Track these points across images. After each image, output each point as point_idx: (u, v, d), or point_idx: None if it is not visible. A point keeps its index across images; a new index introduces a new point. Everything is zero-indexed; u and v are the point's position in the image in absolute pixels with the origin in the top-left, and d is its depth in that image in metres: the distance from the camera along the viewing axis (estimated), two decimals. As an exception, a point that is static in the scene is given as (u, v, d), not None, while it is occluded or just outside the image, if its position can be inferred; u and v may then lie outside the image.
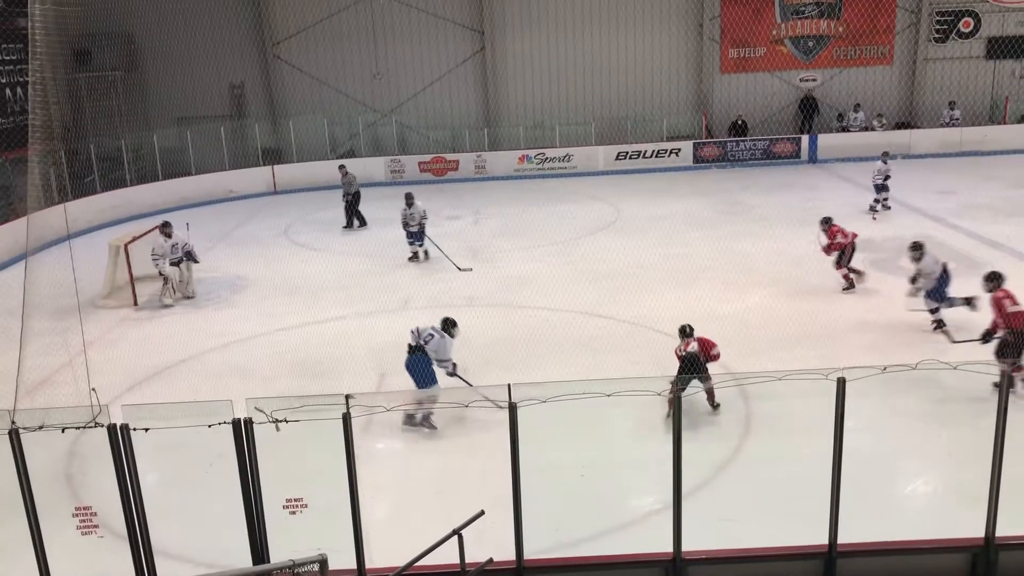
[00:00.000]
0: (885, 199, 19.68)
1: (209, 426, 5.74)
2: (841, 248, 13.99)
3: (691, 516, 6.34)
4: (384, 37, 28.04)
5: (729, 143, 27.30)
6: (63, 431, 6.00)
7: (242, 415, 5.85)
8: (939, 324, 11.77)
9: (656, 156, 27.10)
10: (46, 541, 6.24)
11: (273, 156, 26.94)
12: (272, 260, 17.60)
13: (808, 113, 28.18)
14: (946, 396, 9.44)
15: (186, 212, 21.85)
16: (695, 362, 9.48)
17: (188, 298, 15.40)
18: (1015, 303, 9.81)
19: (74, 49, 25.37)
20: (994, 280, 10.27)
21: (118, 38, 26.68)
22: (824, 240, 14.16)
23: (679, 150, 27.14)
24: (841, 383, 6.06)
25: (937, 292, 11.79)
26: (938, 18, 27.93)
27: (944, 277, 11.84)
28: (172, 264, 15.17)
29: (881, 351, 10.95)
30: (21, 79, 23.31)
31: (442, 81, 28.52)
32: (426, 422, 9.58)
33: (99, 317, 14.50)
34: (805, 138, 27.12)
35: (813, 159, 26.70)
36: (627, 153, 27.13)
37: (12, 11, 22.93)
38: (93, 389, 6.27)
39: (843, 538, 6.36)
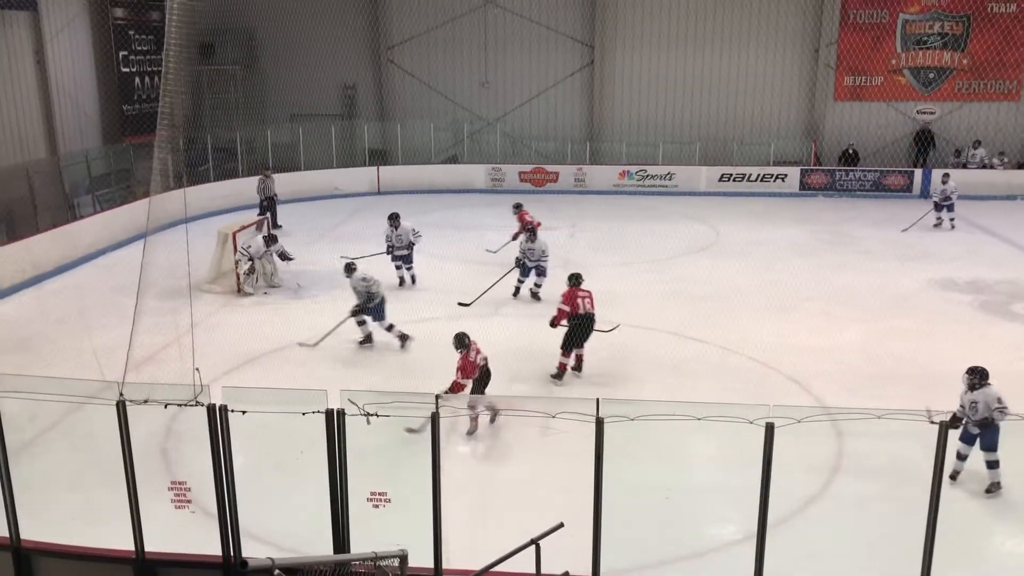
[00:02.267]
0: (951, 218, 21.07)
1: (303, 414, 5.89)
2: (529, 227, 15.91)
3: (774, 549, 6.19)
4: (495, 46, 28.36)
5: (838, 172, 26.59)
6: (165, 407, 6.26)
7: (335, 406, 5.99)
8: None
9: (761, 180, 26.59)
10: (141, 511, 6.51)
11: (379, 157, 27.52)
12: (371, 260, 17.92)
13: (923, 147, 27.20)
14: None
15: (292, 206, 22.55)
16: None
17: (273, 287, 15.94)
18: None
19: (199, 43, 26.48)
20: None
21: (240, 34, 27.76)
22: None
23: (785, 176, 26.57)
24: (943, 427, 5.82)
25: None
26: (1072, 55, 26.63)
27: None
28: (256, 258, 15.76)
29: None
30: (149, 69, 24.47)
31: (548, 93, 28.66)
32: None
33: (203, 301, 15.06)
34: (919, 172, 26.19)
35: (925, 194, 25.74)
36: (731, 175, 26.71)
37: (146, 4, 24.15)
38: (196, 369, 6.51)
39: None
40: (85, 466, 8.96)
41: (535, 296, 15.61)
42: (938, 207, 21.25)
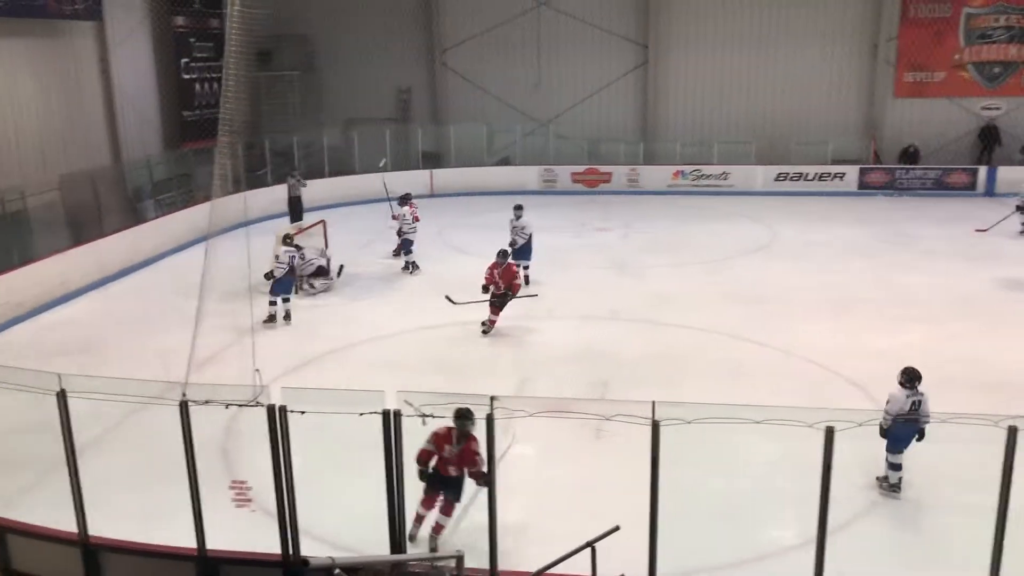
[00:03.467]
0: None
1: (360, 414, 5.96)
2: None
3: (833, 555, 6.08)
4: (548, 48, 28.33)
5: (898, 171, 26.00)
6: (227, 407, 6.38)
7: (391, 407, 6.04)
8: None
9: (819, 179, 26.13)
10: (203, 509, 6.64)
11: (433, 160, 27.69)
12: (425, 260, 18.09)
13: (988, 143, 26.44)
14: None
15: (347, 209, 22.83)
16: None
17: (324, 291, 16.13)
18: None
19: (257, 49, 26.91)
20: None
21: (297, 40, 28.17)
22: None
23: (844, 175, 26.07)
24: (1012, 432, 5.65)
25: None
26: None
27: None
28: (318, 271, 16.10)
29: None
30: (209, 75, 24.97)
31: (601, 93, 28.53)
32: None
33: (262, 303, 15.29)
34: (983, 170, 25.46)
35: (990, 192, 25.05)
36: (788, 175, 26.29)
37: (206, 12, 24.66)
38: (257, 370, 6.63)
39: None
40: (149, 465, 9.16)
41: (525, 281, 15.88)
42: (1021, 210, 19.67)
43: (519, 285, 13.86)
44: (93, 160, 20.74)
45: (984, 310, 14.23)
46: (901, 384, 8.45)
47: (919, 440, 8.41)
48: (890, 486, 8.49)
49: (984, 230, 19.92)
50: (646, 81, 28.03)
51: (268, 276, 14.22)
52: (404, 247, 17.77)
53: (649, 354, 12.38)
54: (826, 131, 26.87)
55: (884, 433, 8.30)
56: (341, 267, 16.55)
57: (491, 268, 13.40)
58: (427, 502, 7.47)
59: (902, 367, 8.55)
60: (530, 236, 16.23)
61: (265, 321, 14.10)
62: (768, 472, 8.89)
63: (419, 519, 7.51)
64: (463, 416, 7.03)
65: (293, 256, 14.54)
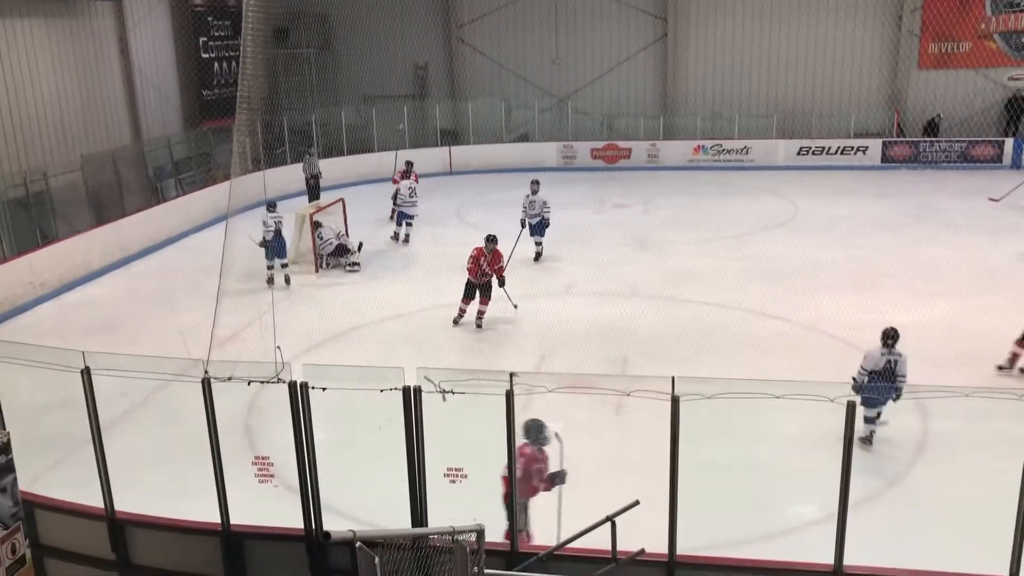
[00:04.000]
0: None
1: (381, 391, 5.97)
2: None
3: (855, 529, 6.05)
4: (565, 22, 28.12)
5: (922, 144, 25.67)
6: (249, 384, 6.43)
7: (412, 383, 6.06)
8: None
9: (841, 153, 25.87)
10: (226, 485, 6.70)
11: (451, 137, 27.63)
12: (443, 238, 18.11)
13: (1015, 115, 26.01)
14: None
15: (365, 187, 22.84)
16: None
17: (352, 271, 16.25)
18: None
19: (275, 27, 26.90)
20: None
21: (314, 18, 28.12)
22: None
23: (867, 148, 25.78)
24: (1038, 406, 5.60)
25: None
26: None
27: None
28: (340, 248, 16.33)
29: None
30: (227, 54, 24.99)
31: (620, 68, 28.32)
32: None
33: (282, 280, 15.39)
34: (1010, 141, 25.10)
35: (1017, 165, 24.70)
36: (810, 148, 26.04)
37: (223, -10, 24.67)
38: (278, 347, 6.65)
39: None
40: (173, 441, 9.28)
41: (537, 257, 16.30)
42: None
43: (503, 270, 13.10)
44: (114, 140, 20.86)
45: (1007, 284, 14.07)
46: (881, 342, 8.84)
47: (895, 400, 8.58)
48: (860, 439, 8.54)
49: (997, 199, 19.74)
50: (665, 55, 27.77)
51: (262, 244, 14.82)
52: (398, 218, 18.12)
53: (669, 330, 12.34)
54: (848, 104, 26.57)
55: (857, 389, 8.49)
56: (360, 244, 16.60)
57: (474, 257, 12.77)
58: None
59: (882, 329, 8.95)
60: (546, 212, 16.31)
61: (268, 282, 15.04)
62: (790, 447, 8.87)
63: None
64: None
65: (280, 221, 15.10)
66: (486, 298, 12.87)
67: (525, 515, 6.85)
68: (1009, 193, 19.69)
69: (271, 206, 15.23)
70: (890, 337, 8.83)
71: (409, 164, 18.85)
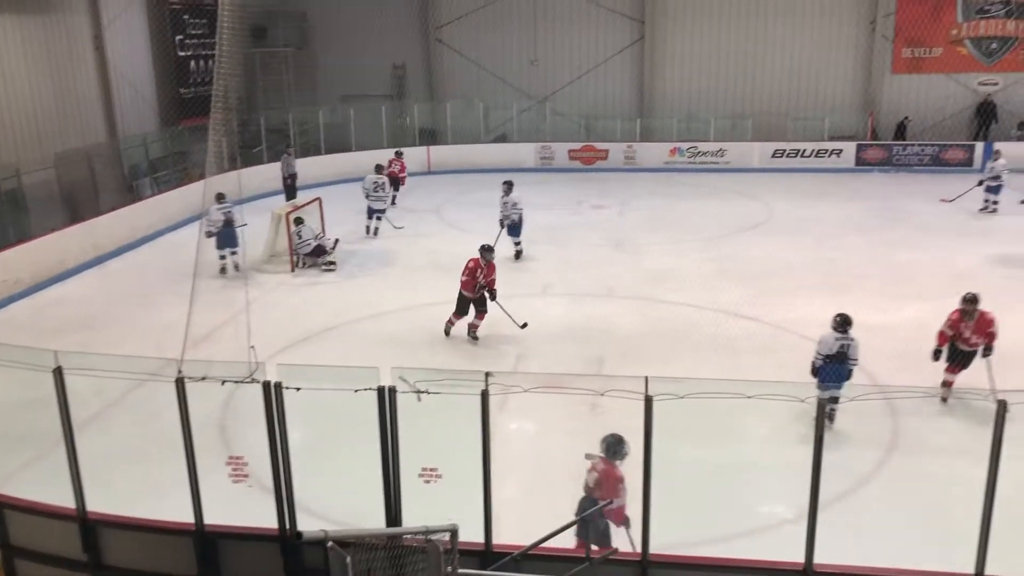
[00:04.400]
0: (995, 202, 19.63)
1: (355, 391, 5.98)
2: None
3: (825, 528, 6.14)
4: (544, 24, 28.17)
5: (895, 147, 25.97)
6: (223, 383, 6.42)
7: (387, 383, 6.07)
8: None
9: (816, 156, 26.11)
10: (200, 485, 6.69)
11: (429, 137, 27.61)
12: (422, 237, 18.11)
13: (985, 119, 26.40)
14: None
15: (344, 186, 22.76)
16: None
17: (328, 270, 16.15)
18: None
19: (252, 25, 26.79)
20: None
21: (292, 16, 28.01)
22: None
23: (841, 151, 26.04)
24: (1002, 406, 5.70)
25: None
26: None
27: None
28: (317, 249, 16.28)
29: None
30: (202, 52, 24.83)
31: (598, 70, 28.42)
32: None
33: (258, 280, 15.34)
34: (980, 146, 25.42)
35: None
36: (785, 151, 26.26)
37: (200, -12, 24.51)
38: (252, 347, 6.65)
39: (991, 569, 6.01)
40: (146, 441, 9.22)
41: (517, 255, 16.43)
42: (988, 188, 19.69)
43: (495, 282, 12.32)
44: (88, 138, 20.67)
45: (978, 285, 14.21)
46: (833, 328, 9.33)
47: (847, 379, 9.06)
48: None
49: (950, 200, 20.34)
50: (642, 57, 27.92)
51: (209, 235, 15.08)
52: (368, 212, 18.33)
53: (645, 331, 12.43)
54: (823, 107, 26.85)
55: (814, 372, 9.28)
56: (336, 240, 16.55)
57: (471, 268, 12.11)
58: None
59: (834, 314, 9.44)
60: (521, 212, 16.30)
61: (221, 272, 15.54)
62: (762, 446, 8.97)
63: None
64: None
65: (229, 211, 15.31)
66: (482, 312, 12.23)
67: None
68: (961, 195, 20.28)
69: (220, 197, 15.34)
70: (844, 323, 9.29)
71: (398, 154, 19.04)
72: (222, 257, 15.57)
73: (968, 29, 26.25)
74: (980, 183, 19.97)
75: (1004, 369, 10.43)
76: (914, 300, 13.50)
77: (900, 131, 26.46)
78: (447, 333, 12.46)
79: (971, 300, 10.19)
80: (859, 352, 9.32)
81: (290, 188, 21.55)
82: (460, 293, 12.21)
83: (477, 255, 12.27)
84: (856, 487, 8.12)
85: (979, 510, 5.90)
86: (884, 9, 26.39)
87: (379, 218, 18.41)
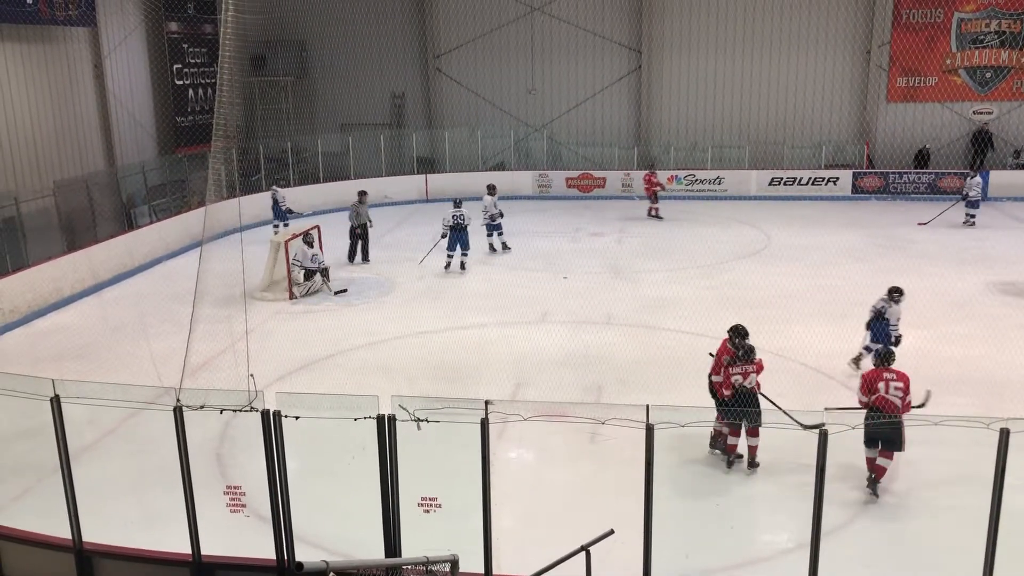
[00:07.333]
0: (973, 215, 21.51)
1: (355, 419, 5.95)
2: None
3: (828, 557, 6.09)
4: (541, 53, 28.39)
5: (892, 175, 26.10)
6: (221, 412, 6.38)
7: (386, 412, 6.04)
8: None
9: (813, 184, 26.22)
10: (197, 514, 6.63)
11: (427, 165, 27.71)
12: (419, 266, 18.09)
13: (981, 148, 26.54)
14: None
15: (342, 214, 22.78)
16: (750, 398, 8.65)
17: (340, 293, 16.18)
18: None
19: (251, 55, 26.99)
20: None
21: (291, 46, 28.19)
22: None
23: (838, 179, 26.17)
24: (1004, 434, 5.68)
25: None
26: None
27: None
28: (309, 271, 16.23)
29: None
30: (203, 81, 24.98)
31: (595, 98, 28.60)
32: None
33: (257, 308, 15.30)
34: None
35: (983, 196, 25.12)
36: (782, 179, 26.38)
37: (200, 18, 24.68)
38: (251, 375, 6.62)
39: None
40: (143, 470, 9.15)
41: (505, 247, 18.65)
42: (968, 203, 21.63)
43: None
44: (87, 166, 20.72)
45: (976, 313, 14.29)
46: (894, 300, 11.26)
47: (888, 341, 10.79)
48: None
49: (926, 223, 21.29)
50: (640, 86, 28.10)
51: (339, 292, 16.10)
52: (487, 230, 19.46)
53: (644, 358, 12.39)
54: (820, 136, 27.01)
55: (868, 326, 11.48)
56: (344, 291, 16.49)
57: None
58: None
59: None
60: (469, 224, 18.03)
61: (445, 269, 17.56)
62: (764, 475, 8.91)
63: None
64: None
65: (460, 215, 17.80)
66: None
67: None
68: (936, 217, 21.38)
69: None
70: (895, 291, 11.24)
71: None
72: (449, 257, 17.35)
73: (962, 59, 26.49)
74: (963, 198, 21.76)
75: (1003, 398, 10.44)
76: (913, 327, 13.46)
77: (921, 160, 26.58)
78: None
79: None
80: (898, 319, 11.25)
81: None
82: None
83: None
84: (857, 516, 8.06)
85: (983, 538, 5.85)
86: (879, 39, 26.63)
87: (500, 233, 19.37)
